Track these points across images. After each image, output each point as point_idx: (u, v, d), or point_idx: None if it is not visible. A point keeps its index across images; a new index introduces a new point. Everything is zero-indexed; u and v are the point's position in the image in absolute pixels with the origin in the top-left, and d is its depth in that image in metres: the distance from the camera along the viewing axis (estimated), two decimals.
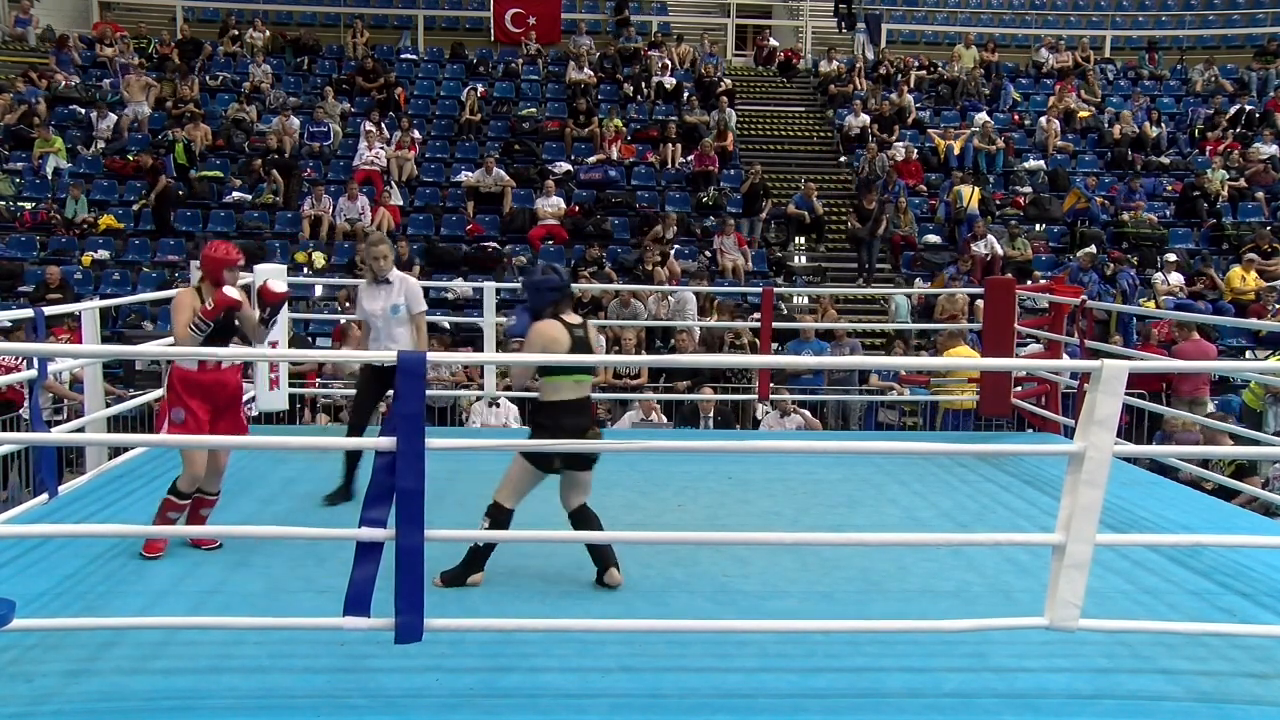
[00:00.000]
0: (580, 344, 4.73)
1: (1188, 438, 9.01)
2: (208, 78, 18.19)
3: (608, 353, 11.36)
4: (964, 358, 9.93)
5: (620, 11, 20.57)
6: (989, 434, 9.19)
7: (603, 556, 4.78)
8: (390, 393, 6.41)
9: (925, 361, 9.29)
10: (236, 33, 19.22)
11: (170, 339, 5.43)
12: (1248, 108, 18.79)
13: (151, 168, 15.09)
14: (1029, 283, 12.31)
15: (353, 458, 6.14)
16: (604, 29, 20.81)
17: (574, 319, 4.79)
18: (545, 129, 17.45)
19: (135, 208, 15.09)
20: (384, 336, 6.23)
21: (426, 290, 6.96)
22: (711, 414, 10.37)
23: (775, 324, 9.65)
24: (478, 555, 4.73)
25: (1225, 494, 7.12)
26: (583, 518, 4.88)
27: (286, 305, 7.52)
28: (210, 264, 5.08)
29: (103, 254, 14.18)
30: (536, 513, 5.96)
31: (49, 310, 6.69)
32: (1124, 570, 5.00)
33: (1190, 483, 7.40)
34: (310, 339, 12.28)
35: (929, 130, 18.05)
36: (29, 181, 15.46)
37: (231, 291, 5.01)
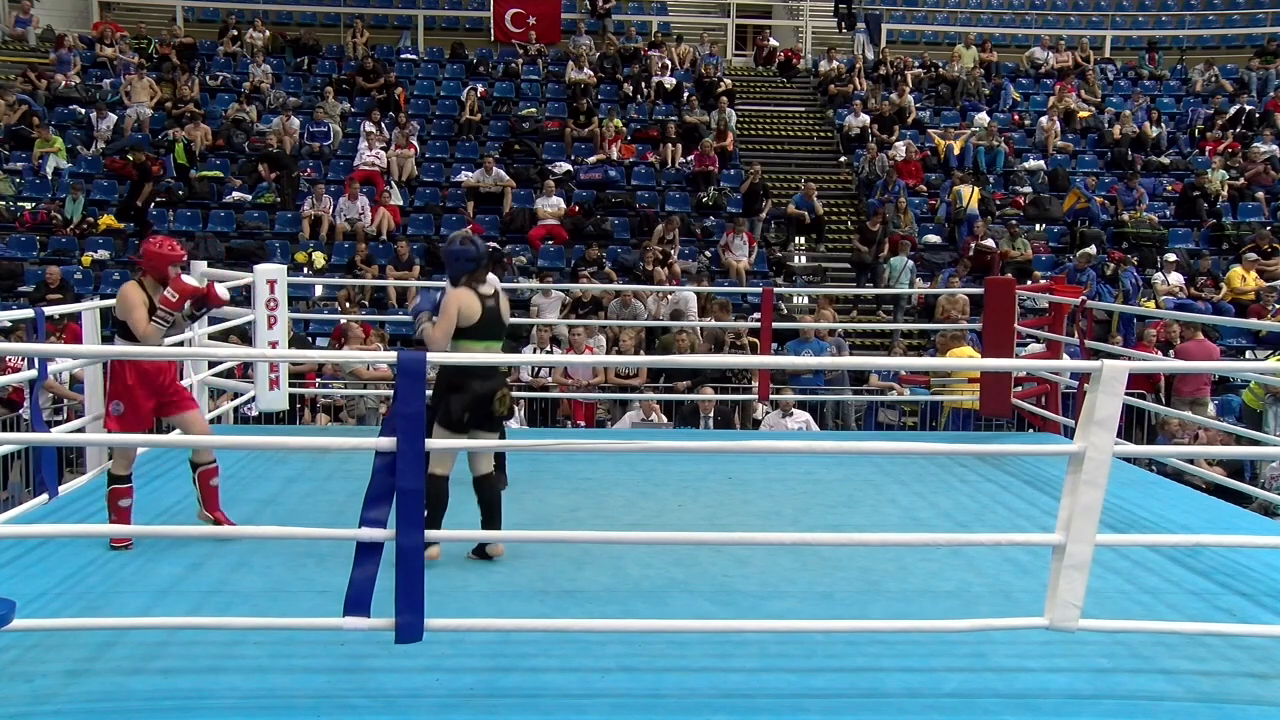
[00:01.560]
0: (491, 313, 4.97)
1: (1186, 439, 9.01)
2: (208, 78, 18.20)
3: (608, 353, 11.37)
4: (965, 358, 9.94)
5: (596, 6, 20.54)
6: (989, 434, 9.20)
7: (492, 522, 4.97)
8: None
9: (925, 362, 9.30)
10: (236, 33, 19.22)
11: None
12: (1248, 108, 18.78)
13: (137, 165, 14.96)
14: (1029, 283, 12.31)
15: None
16: (601, 28, 20.78)
17: (488, 289, 5.00)
18: (545, 129, 17.45)
19: (116, 206, 15.02)
20: None
21: (423, 290, 6.97)
22: (711, 414, 10.37)
23: (775, 324, 9.65)
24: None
25: (1233, 496, 7.11)
26: (485, 486, 5.02)
27: (286, 306, 7.57)
28: (154, 259, 5.11)
29: (103, 254, 14.17)
30: (536, 513, 5.97)
31: (49, 310, 6.70)
32: (1124, 570, 5.00)
33: (1204, 489, 7.34)
34: (310, 339, 12.28)
35: (929, 130, 18.05)
36: (29, 181, 15.45)
37: (191, 280, 5.07)
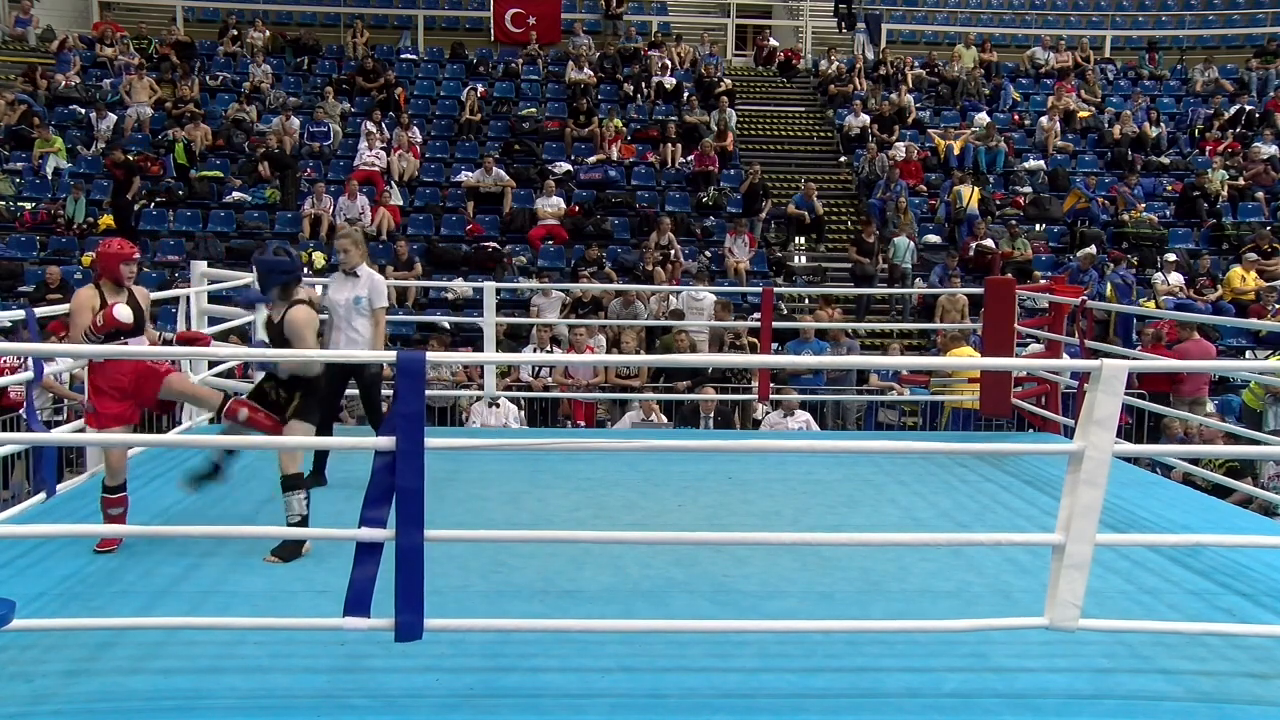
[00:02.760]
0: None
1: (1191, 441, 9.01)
2: (208, 78, 18.20)
3: (607, 353, 11.37)
4: (965, 358, 9.95)
5: (610, 6, 20.56)
6: (989, 434, 9.19)
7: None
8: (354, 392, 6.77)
9: (924, 361, 9.30)
10: (236, 33, 19.23)
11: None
12: (1248, 108, 18.79)
13: (124, 165, 14.86)
14: (1029, 282, 12.31)
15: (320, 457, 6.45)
16: (602, 28, 20.81)
17: (302, 297, 5.13)
18: (545, 129, 17.45)
19: (105, 205, 14.97)
20: (344, 326, 6.57)
21: (426, 290, 7.06)
22: (711, 414, 10.37)
23: (775, 324, 9.65)
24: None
25: (1227, 495, 7.12)
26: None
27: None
28: (106, 260, 5.12)
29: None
30: (536, 513, 5.97)
31: (48, 311, 6.69)
32: (1124, 570, 5.00)
33: (1205, 489, 7.34)
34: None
35: (929, 130, 18.05)
36: (29, 181, 15.45)
37: (121, 313, 4.98)
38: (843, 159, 18.07)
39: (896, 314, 14.62)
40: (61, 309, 7.21)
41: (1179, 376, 10.50)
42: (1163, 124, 18.59)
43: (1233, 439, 7.74)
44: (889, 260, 14.85)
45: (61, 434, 6.35)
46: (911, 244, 14.90)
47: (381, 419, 6.32)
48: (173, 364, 5.55)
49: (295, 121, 16.66)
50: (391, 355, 3.46)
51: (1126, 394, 3.68)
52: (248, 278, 7.55)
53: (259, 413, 5.00)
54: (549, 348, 11.08)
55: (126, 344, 5.06)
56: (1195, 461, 7.58)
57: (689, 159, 16.77)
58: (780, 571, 4.94)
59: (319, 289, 6.57)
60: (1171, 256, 14.99)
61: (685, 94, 18.43)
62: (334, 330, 6.61)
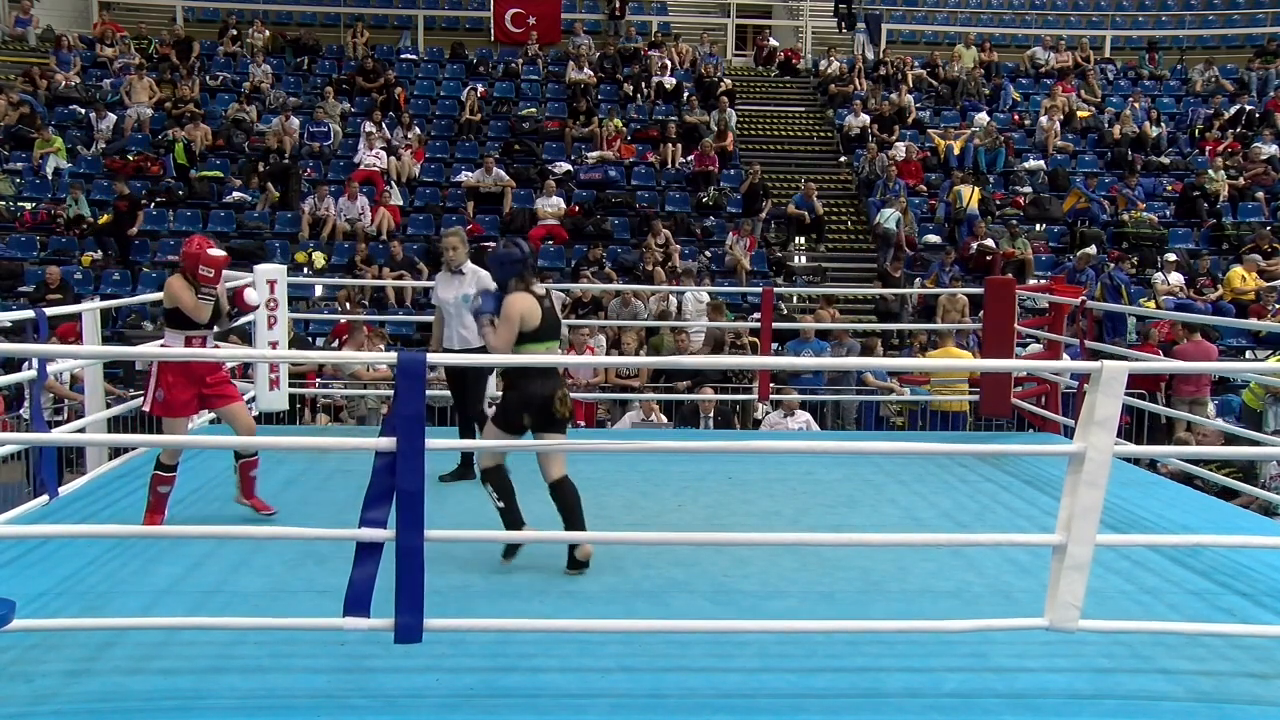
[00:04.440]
0: (549, 313, 4.96)
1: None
2: (208, 78, 18.20)
3: (607, 353, 11.37)
4: (957, 358, 9.95)
5: (611, 4, 20.56)
6: (989, 434, 9.20)
7: (575, 527, 4.89)
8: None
9: (923, 362, 9.30)
10: (236, 33, 19.22)
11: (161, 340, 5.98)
12: (1248, 108, 18.79)
13: (130, 198, 14.58)
14: (1026, 282, 12.32)
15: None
16: (602, 29, 20.82)
17: (540, 289, 5.00)
18: (545, 129, 17.45)
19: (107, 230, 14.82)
20: (455, 324, 6.66)
21: (426, 290, 7.11)
22: (711, 414, 10.37)
23: (775, 324, 9.65)
24: (506, 517, 4.99)
25: (1232, 496, 7.11)
26: (562, 492, 4.95)
27: (286, 306, 7.60)
28: (189, 259, 5.54)
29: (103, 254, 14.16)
30: (536, 513, 5.96)
31: (49, 311, 6.68)
32: (1124, 570, 5.00)
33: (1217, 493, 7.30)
34: (310, 339, 12.28)
35: (929, 130, 18.05)
36: (29, 181, 15.45)
37: (251, 296, 5.83)
38: (843, 159, 18.07)
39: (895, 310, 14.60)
40: (63, 310, 7.23)
41: (1177, 377, 10.50)
42: (1163, 124, 18.58)
43: (1232, 440, 7.74)
44: (876, 224, 15.30)
45: (61, 434, 6.35)
46: (899, 214, 15.18)
47: (477, 417, 6.64)
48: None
49: (295, 121, 16.65)
50: (392, 356, 3.46)
51: (1126, 394, 3.68)
52: (248, 278, 7.55)
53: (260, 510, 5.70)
54: None
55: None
56: (1196, 463, 7.58)
57: (689, 159, 16.77)
58: (780, 571, 4.94)
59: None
60: (1171, 256, 14.99)
61: (685, 94, 18.43)
62: (446, 328, 6.71)
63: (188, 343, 5.58)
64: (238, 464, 5.73)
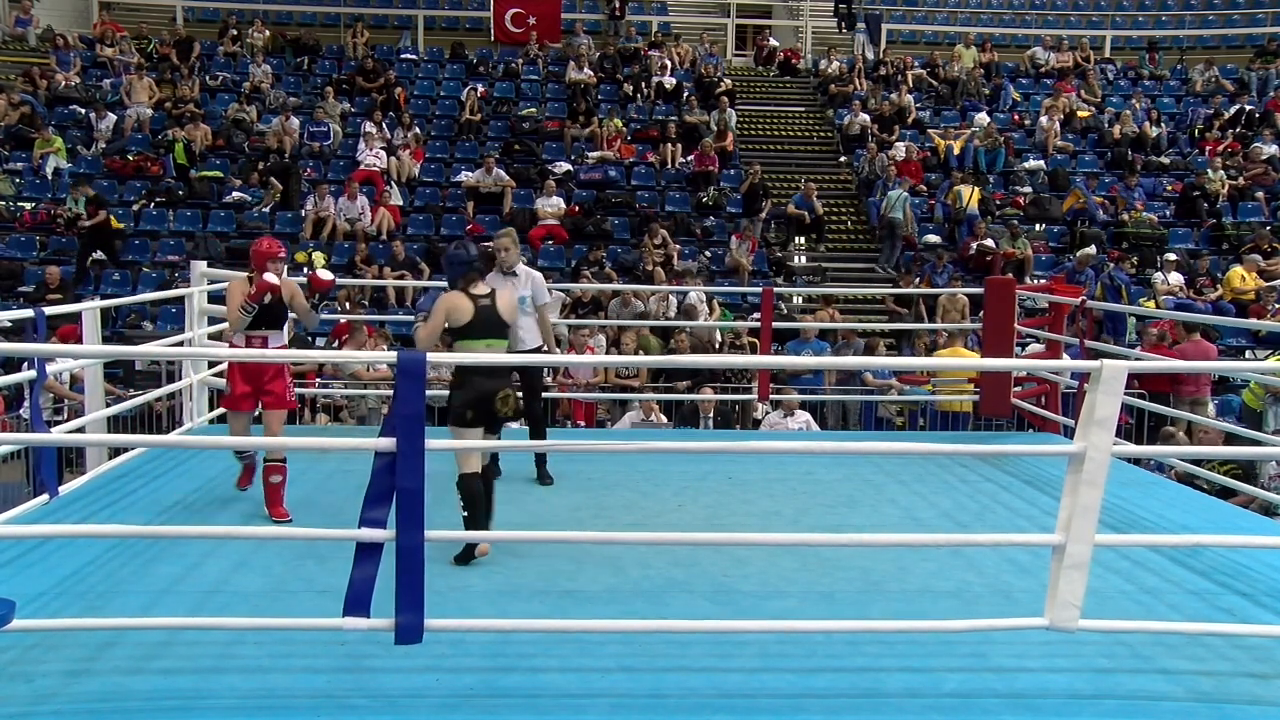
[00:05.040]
0: (484, 311, 5.11)
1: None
2: (208, 78, 18.20)
3: (607, 353, 11.37)
4: (961, 358, 9.94)
5: (611, 4, 20.57)
6: (989, 434, 9.19)
7: (472, 525, 4.93)
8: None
9: (924, 361, 9.29)
10: (236, 33, 19.22)
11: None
12: (1248, 108, 18.79)
13: (93, 199, 14.17)
14: (1024, 282, 12.31)
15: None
16: (602, 29, 20.82)
17: (482, 290, 5.17)
18: (545, 129, 17.45)
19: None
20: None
21: (426, 290, 7.12)
22: (711, 414, 10.37)
23: (775, 324, 9.64)
24: (470, 524, 4.93)
25: (1230, 495, 7.10)
26: (467, 486, 5.01)
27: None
28: (257, 257, 5.87)
29: (102, 254, 14.16)
30: (536, 513, 5.97)
31: (49, 310, 6.68)
32: (1124, 570, 5.00)
33: (1215, 492, 7.29)
34: (310, 339, 12.27)
35: (929, 130, 18.05)
36: (29, 181, 15.45)
37: (270, 277, 5.73)
38: (843, 159, 18.07)
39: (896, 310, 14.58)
40: (64, 309, 7.23)
41: (1178, 377, 10.50)
42: (1163, 124, 18.58)
43: (1233, 440, 7.73)
44: (884, 213, 15.23)
45: (61, 434, 6.35)
46: (905, 195, 15.18)
47: (536, 419, 6.71)
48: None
49: (295, 121, 16.65)
50: (391, 356, 3.46)
51: (1127, 394, 3.68)
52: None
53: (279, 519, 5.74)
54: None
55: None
56: (1198, 464, 7.58)
57: (689, 159, 16.77)
58: (780, 571, 4.94)
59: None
60: (1171, 256, 14.99)
61: (685, 94, 18.43)
62: None
63: (247, 342, 5.85)
64: (263, 465, 5.80)
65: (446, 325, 5.09)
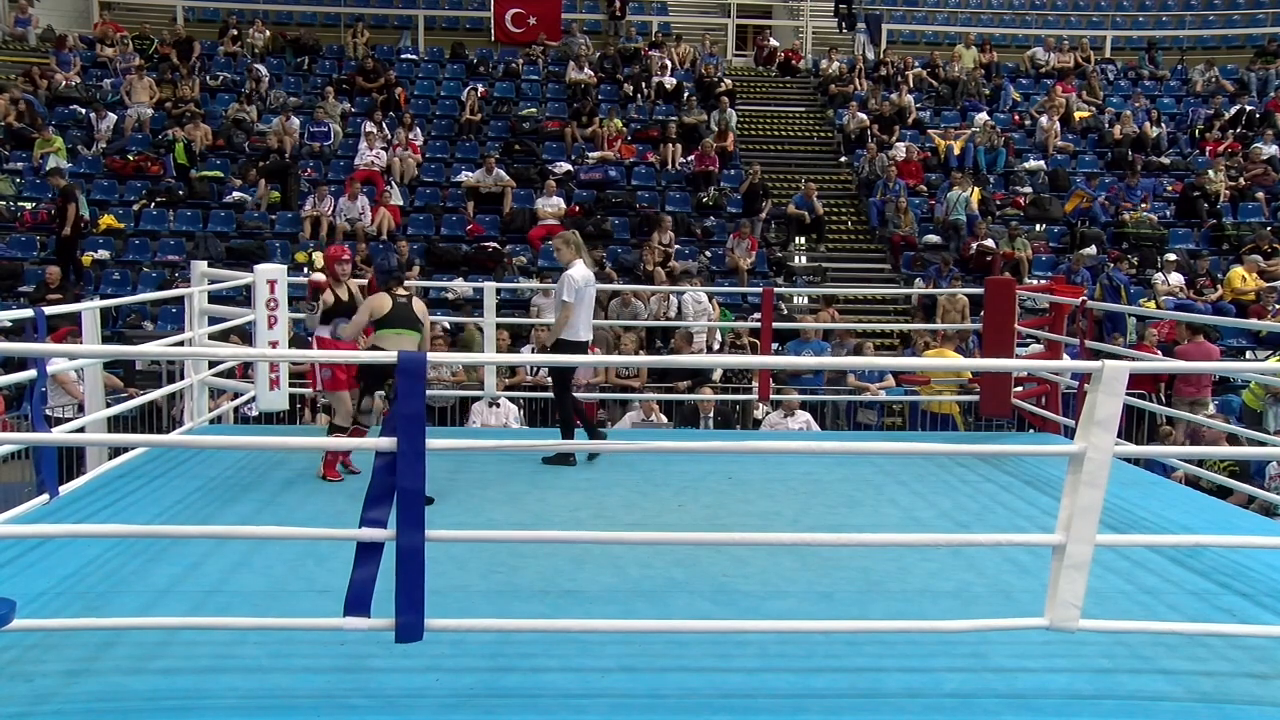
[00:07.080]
0: (401, 307, 6.46)
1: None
2: (208, 78, 18.20)
3: (607, 353, 11.36)
4: (954, 359, 9.93)
5: (612, 4, 20.56)
6: (989, 434, 9.19)
7: None
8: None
9: (920, 362, 9.29)
10: (236, 33, 19.23)
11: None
12: (1248, 108, 18.79)
13: (64, 191, 13.74)
14: (1026, 282, 12.31)
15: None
16: (603, 29, 20.82)
17: (402, 293, 6.54)
18: (545, 129, 17.46)
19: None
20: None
21: (426, 290, 7.45)
22: (711, 414, 10.37)
23: (775, 324, 9.64)
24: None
25: (1228, 495, 7.10)
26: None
27: (286, 306, 7.63)
28: (327, 260, 6.92)
29: (103, 254, 14.17)
30: (536, 513, 5.97)
31: (49, 310, 6.68)
32: (1124, 570, 5.00)
33: (1214, 492, 7.30)
34: (310, 339, 12.26)
35: (929, 130, 18.05)
36: (29, 181, 15.45)
37: (316, 276, 6.87)
38: (843, 159, 18.08)
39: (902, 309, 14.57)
40: (64, 309, 7.22)
41: (1178, 378, 10.50)
42: (1163, 124, 18.58)
43: (1234, 440, 7.74)
44: (945, 214, 15.28)
45: (61, 434, 6.34)
46: (966, 195, 15.16)
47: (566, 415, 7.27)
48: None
49: (295, 121, 16.66)
50: (392, 356, 3.45)
51: (1126, 395, 3.68)
52: (248, 278, 7.56)
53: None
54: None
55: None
56: (1200, 464, 7.58)
57: (689, 159, 16.78)
58: (780, 571, 4.94)
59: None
60: (1172, 256, 14.99)
61: (685, 94, 18.43)
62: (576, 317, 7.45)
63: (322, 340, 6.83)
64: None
65: (370, 318, 6.38)
